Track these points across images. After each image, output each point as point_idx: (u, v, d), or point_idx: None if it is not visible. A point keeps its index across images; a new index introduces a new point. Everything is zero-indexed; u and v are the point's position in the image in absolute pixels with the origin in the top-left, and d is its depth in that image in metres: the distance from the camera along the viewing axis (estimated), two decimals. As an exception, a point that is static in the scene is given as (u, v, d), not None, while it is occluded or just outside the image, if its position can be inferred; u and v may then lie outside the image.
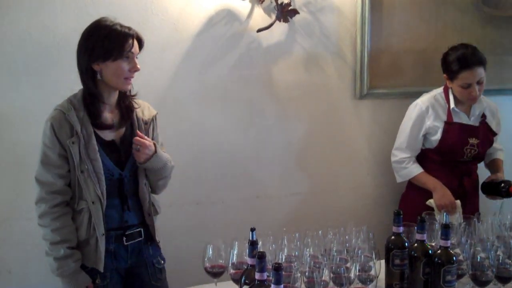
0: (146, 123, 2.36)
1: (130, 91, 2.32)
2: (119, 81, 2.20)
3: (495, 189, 3.04)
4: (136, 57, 2.23)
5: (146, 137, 2.28)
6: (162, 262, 2.47)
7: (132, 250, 2.34)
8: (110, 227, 2.27)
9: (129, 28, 2.19)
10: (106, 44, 2.13)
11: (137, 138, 2.25)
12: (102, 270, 2.23)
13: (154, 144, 2.30)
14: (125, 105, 2.31)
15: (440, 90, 3.13)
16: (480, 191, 3.23)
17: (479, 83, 2.92)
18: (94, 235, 2.22)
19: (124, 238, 2.30)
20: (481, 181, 3.22)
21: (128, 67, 2.19)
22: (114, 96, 2.28)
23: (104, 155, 2.22)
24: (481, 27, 3.60)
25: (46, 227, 2.19)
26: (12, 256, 2.82)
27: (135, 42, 2.21)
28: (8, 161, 2.76)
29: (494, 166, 3.24)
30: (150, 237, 2.40)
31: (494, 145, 3.25)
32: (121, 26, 2.18)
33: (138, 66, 2.22)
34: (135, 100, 2.36)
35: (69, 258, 2.19)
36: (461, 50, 2.94)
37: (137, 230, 2.34)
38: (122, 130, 2.31)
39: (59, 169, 2.19)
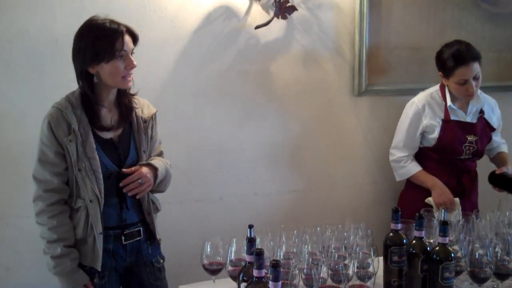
0: (145, 121, 2.35)
1: (129, 89, 2.30)
2: (117, 81, 2.18)
3: (508, 184, 3.02)
4: (132, 53, 2.20)
5: (133, 168, 2.25)
6: (162, 261, 2.46)
7: (131, 249, 2.33)
8: (108, 226, 2.25)
9: (118, 25, 2.15)
10: (96, 46, 2.11)
11: (133, 173, 2.24)
12: (99, 269, 2.22)
13: (147, 164, 2.30)
14: (125, 104, 2.29)
15: (436, 87, 3.13)
16: (478, 190, 3.24)
17: (475, 78, 2.92)
18: (92, 233, 2.21)
19: (123, 237, 2.29)
20: (480, 178, 3.22)
21: (123, 66, 2.16)
22: (112, 95, 2.27)
23: (102, 153, 2.21)
24: (479, 24, 3.60)
25: (43, 225, 2.19)
26: (10, 254, 2.81)
27: (128, 38, 2.17)
28: (6, 159, 2.75)
29: (501, 159, 3.23)
30: (150, 236, 2.39)
31: (496, 139, 3.26)
32: (111, 23, 2.14)
33: (135, 63, 2.19)
34: (134, 99, 2.34)
35: (66, 256, 2.18)
36: (456, 46, 2.94)
37: (136, 229, 2.33)
38: (121, 128, 2.30)
39: (56, 167, 2.17)
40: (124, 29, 2.16)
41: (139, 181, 2.23)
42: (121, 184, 2.22)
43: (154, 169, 2.30)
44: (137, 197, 2.29)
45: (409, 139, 3.13)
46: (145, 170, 2.26)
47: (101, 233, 2.21)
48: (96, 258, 2.22)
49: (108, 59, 2.12)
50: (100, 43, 2.11)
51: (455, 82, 2.95)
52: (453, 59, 2.91)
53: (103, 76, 2.17)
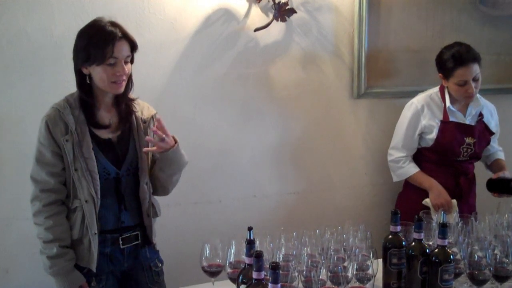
0: (144, 122, 2.34)
1: (125, 92, 2.27)
2: (107, 85, 2.16)
3: (506, 186, 3.01)
4: (127, 59, 2.18)
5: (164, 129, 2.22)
6: (160, 265, 2.45)
7: (128, 253, 2.32)
8: (106, 229, 2.25)
9: (116, 29, 2.13)
10: (88, 48, 2.11)
11: (158, 129, 2.20)
12: (95, 270, 2.22)
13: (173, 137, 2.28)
14: (124, 108, 2.28)
15: (436, 89, 3.14)
16: (476, 191, 3.24)
17: (475, 80, 2.93)
18: (87, 234, 2.20)
19: (121, 242, 2.29)
20: (478, 180, 3.22)
21: (113, 71, 2.14)
22: (109, 98, 2.26)
23: (100, 153, 2.21)
24: (478, 26, 3.61)
25: (40, 225, 2.19)
26: (9, 255, 2.82)
27: (122, 44, 2.14)
28: (4, 161, 2.75)
29: (498, 165, 3.23)
30: (147, 240, 2.38)
31: (494, 145, 3.26)
32: (110, 26, 2.13)
33: (125, 70, 2.16)
34: (134, 103, 2.33)
35: (61, 257, 2.18)
36: (455, 48, 2.95)
37: (134, 233, 2.32)
38: (120, 129, 2.30)
39: (53, 167, 2.18)
40: (120, 34, 2.14)
41: (164, 137, 2.19)
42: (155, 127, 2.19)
43: (175, 142, 2.27)
44: (146, 150, 2.25)
45: (407, 140, 3.13)
46: (168, 132, 2.23)
47: (95, 233, 2.20)
48: (91, 259, 2.21)
49: (98, 63, 2.12)
50: (92, 45, 2.11)
51: (454, 83, 2.95)
52: (453, 60, 2.91)
53: (94, 79, 2.17)
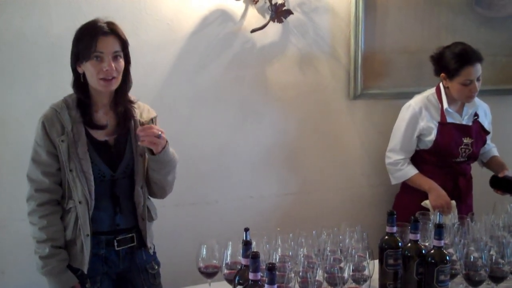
0: (143, 124, 2.29)
1: (122, 93, 2.26)
2: (96, 82, 2.14)
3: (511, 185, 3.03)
4: (116, 55, 2.15)
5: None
6: (156, 267, 2.44)
7: (124, 255, 2.31)
8: (100, 230, 2.24)
9: (103, 24, 2.12)
10: (78, 45, 2.13)
11: (154, 127, 2.16)
12: (86, 272, 2.21)
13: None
14: (122, 112, 2.27)
15: (432, 91, 3.14)
16: (473, 191, 3.24)
17: (477, 80, 2.93)
18: (80, 235, 2.20)
19: (116, 243, 2.28)
20: (475, 181, 3.23)
21: (100, 67, 2.11)
22: (106, 99, 2.24)
23: (96, 155, 2.20)
24: (474, 28, 3.62)
25: (34, 224, 2.19)
26: (5, 257, 2.81)
27: (109, 40, 2.12)
28: (2, 162, 2.75)
29: (497, 163, 3.24)
30: (143, 242, 2.37)
31: (488, 142, 3.27)
32: (100, 23, 2.12)
33: (113, 66, 2.12)
34: (134, 105, 2.32)
35: (53, 257, 2.17)
36: (459, 47, 2.95)
37: (130, 235, 2.31)
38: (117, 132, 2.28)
39: (48, 167, 2.17)
40: (107, 29, 2.12)
41: (159, 133, 2.14)
42: (138, 130, 2.14)
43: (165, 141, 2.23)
44: (149, 146, 2.18)
45: (406, 142, 3.13)
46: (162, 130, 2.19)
47: (88, 235, 2.19)
48: (83, 261, 2.21)
49: (86, 59, 2.12)
50: (80, 41, 2.13)
51: (459, 83, 2.94)
52: (459, 58, 2.91)
53: (87, 76, 2.16)
